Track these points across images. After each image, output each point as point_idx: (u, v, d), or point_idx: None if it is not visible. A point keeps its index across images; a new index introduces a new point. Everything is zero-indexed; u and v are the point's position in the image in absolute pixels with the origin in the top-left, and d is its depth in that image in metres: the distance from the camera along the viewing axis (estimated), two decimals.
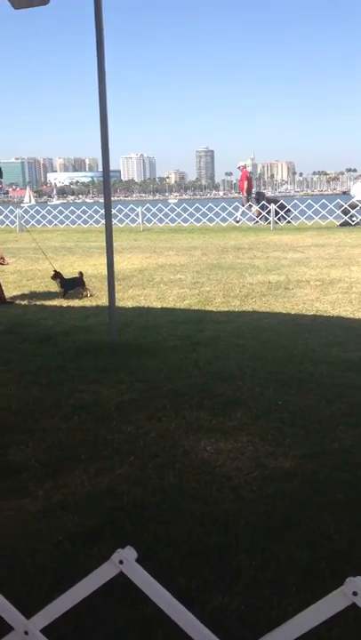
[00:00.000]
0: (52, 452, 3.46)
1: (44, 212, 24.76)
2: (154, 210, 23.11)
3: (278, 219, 20.83)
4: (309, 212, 21.20)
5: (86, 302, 7.88)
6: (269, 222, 20.64)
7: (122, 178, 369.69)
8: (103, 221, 22.22)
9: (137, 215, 22.74)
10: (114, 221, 23.10)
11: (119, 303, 7.52)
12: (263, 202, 21.95)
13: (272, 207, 20.72)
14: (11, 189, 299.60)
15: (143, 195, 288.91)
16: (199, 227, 21.85)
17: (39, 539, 2.60)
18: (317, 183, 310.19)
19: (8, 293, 8.26)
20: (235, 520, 2.79)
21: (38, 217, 24.40)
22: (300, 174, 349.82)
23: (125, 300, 7.86)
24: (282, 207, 21.27)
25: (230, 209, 22.57)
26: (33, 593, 2.24)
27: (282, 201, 22.19)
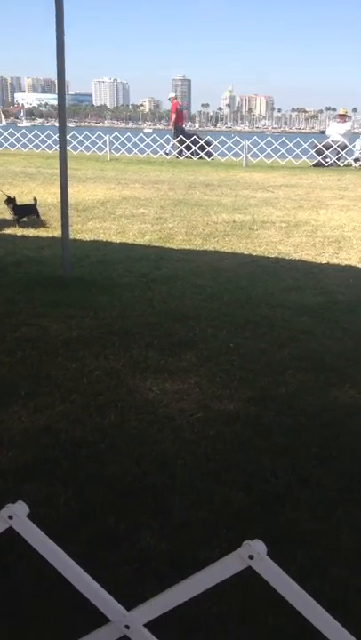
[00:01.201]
0: None
1: (6, 133, 23.88)
2: (122, 139, 22.44)
3: (192, 153, 21.40)
4: (283, 151, 20.84)
5: (42, 232, 7.67)
6: (186, 157, 21.29)
7: (93, 102, 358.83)
8: (68, 147, 21.61)
9: (105, 143, 22.10)
10: (80, 148, 22.62)
11: (77, 235, 7.35)
12: (181, 136, 22.06)
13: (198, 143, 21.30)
14: None
15: (115, 122, 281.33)
16: (169, 159, 21.35)
17: None
18: (296, 120, 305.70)
19: None
20: (173, 461, 2.78)
21: (12, 140, 23.51)
22: (279, 110, 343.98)
23: (84, 232, 7.67)
24: (195, 142, 21.61)
25: (202, 142, 22.02)
26: None
27: (208, 137, 22.44)
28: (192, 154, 21.45)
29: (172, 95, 24.82)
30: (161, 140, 22.32)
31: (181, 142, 21.77)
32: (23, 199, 8.60)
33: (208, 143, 21.82)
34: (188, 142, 21.39)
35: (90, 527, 2.29)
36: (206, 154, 21.50)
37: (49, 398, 3.31)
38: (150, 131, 34.32)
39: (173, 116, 22.89)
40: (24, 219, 8.05)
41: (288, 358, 3.96)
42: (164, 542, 2.23)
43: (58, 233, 6.27)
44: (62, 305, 4.80)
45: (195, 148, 21.44)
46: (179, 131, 22.54)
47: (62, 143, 5.55)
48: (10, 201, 8.00)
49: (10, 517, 1.16)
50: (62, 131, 5.57)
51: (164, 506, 2.45)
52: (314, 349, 4.11)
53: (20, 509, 1.17)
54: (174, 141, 22.20)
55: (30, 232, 7.71)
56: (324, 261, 6.51)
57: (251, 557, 1.12)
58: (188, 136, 22.23)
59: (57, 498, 2.44)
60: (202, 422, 3.15)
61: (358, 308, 4.97)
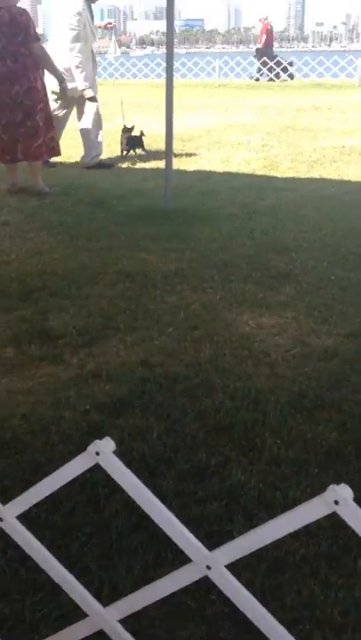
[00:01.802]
0: (91, 319, 3.45)
1: (117, 64, 23.72)
2: (232, 63, 21.74)
3: (276, 75, 21.02)
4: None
5: (147, 164, 7.63)
6: (270, 79, 20.90)
7: (205, 27, 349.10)
8: (177, 74, 21.23)
9: (213, 69, 21.51)
10: (188, 75, 22.15)
11: (181, 166, 7.26)
12: (264, 58, 21.51)
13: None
14: None
15: (226, 46, 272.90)
16: (278, 83, 20.52)
17: (67, 407, 2.64)
18: None
19: (68, 151, 8.04)
20: (266, 397, 2.75)
21: (123, 70, 23.42)
22: None
23: (188, 162, 7.56)
24: (278, 64, 21.23)
25: (314, 63, 20.94)
26: (54, 460, 2.29)
27: (279, 57, 21.88)
28: (275, 76, 21.06)
29: (263, 17, 24.42)
30: (285, 62, 21.40)
31: (265, 64, 21.35)
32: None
33: (291, 64, 21.36)
34: (271, 64, 21.11)
35: (181, 461, 2.32)
36: (289, 75, 21.15)
37: (146, 332, 3.35)
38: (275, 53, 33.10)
39: (263, 37, 22.62)
40: (131, 152, 8.03)
41: None
42: (253, 479, 2.23)
43: (162, 164, 6.21)
44: (163, 238, 4.80)
45: (278, 69, 21.09)
46: (262, 52, 22.14)
47: (169, 73, 5.42)
48: (127, 130, 7.95)
49: (97, 454, 1.18)
50: (170, 59, 5.42)
51: (256, 442, 2.44)
52: None
53: (106, 445, 1.18)
54: (258, 63, 21.89)
55: (135, 163, 7.70)
56: None
57: (336, 502, 1.08)
58: (272, 58, 21.66)
59: (150, 431, 2.49)
60: (298, 358, 3.09)
61: None
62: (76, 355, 3.08)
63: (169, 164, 5.59)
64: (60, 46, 6.80)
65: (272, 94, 17.14)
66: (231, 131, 10.03)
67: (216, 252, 4.50)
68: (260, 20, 23.91)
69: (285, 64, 21.39)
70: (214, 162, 7.57)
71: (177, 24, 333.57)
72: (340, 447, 2.41)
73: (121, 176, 7.01)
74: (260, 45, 23.02)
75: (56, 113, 6.94)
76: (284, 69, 21.33)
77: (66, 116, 7.26)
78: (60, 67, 6.44)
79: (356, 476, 2.26)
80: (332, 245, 4.60)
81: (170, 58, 5.44)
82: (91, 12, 6.97)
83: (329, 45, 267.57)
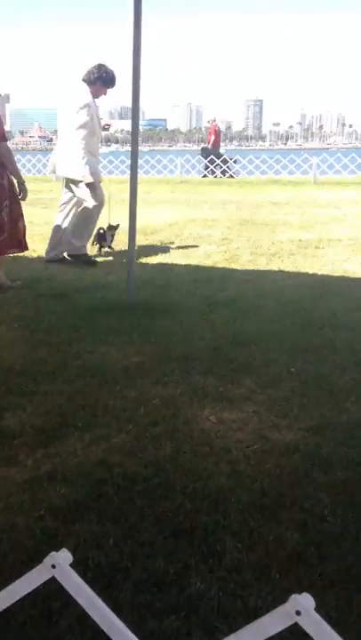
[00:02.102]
0: (49, 417, 3.37)
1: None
2: (193, 161, 22.64)
3: (223, 172, 22.17)
4: (352, 167, 20.47)
5: (109, 256, 7.74)
6: (216, 175, 22.00)
7: (168, 127, 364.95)
8: (141, 171, 22.00)
9: (175, 166, 22.34)
10: (151, 172, 22.94)
11: (143, 259, 7.38)
12: (211, 156, 22.75)
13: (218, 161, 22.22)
14: (55, 137, 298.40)
15: (188, 144, 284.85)
16: (237, 180, 21.36)
17: (20, 512, 2.53)
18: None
19: (33, 245, 8.12)
20: (227, 497, 2.68)
21: None
22: (350, 126, 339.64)
23: (150, 256, 7.70)
24: (225, 162, 22.48)
25: (271, 161, 21.92)
26: (5, 570, 2.17)
27: (225, 155, 23.38)
28: (222, 172, 22.28)
29: (212, 119, 26.30)
30: (244, 160, 22.42)
31: (212, 162, 22.49)
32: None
33: (236, 162, 22.74)
34: (218, 161, 22.39)
35: (138, 570, 2.22)
36: (234, 172, 22.39)
37: (105, 429, 3.27)
38: (223, 152, 34.69)
39: (212, 138, 23.94)
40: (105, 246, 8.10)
41: (351, 384, 3.81)
42: (213, 588, 2.13)
43: (125, 257, 6.29)
44: (124, 331, 4.79)
45: (224, 167, 22.37)
46: (210, 151, 23.41)
47: (133, 168, 5.58)
48: (111, 228, 7.99)
49: (53, 566, 1.12)
50: (134, 155, 5.60)
51: (216, 547, 2.35)
52: None
53: (63, 558, 1.12)
54: (205, 161, 22.97)
55: (99, 256, 7.80)
56: None
57: (298, 613, 1.02)
58: (219, 156, 23.02)
59: (107, 538, 2.38)
60: (259, 454, 3.04)
61: None
62: (31, 455, 2.99)
63: (131, 257, 5.68)
64: (67, 138, 6.96)
65: (232, 190, 17.79)
66: (193, 225, 10.30)
67: (177, 345, 4.50)
68: (208, 121, 25.70)
69: (230, 162, 22.63)
70: (176, 255, 7.72)
71: (141, 123, 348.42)
72: (301, 549, 2.34)
73: (84, 269, 7.07)
74: (208, 145, 24.32)
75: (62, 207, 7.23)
76: (230, 167, 22.51)
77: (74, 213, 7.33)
78: (68, 161, 6.80)
79: (318, 580, 2.18)
80: (292, 337, 4.64)
81: (134, 155, 5.62)
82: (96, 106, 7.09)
83: (285, 144, 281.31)
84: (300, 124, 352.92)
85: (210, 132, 24.78)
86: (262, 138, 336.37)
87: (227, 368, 4.08)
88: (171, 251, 7.99)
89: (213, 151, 23.55)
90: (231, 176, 22.16)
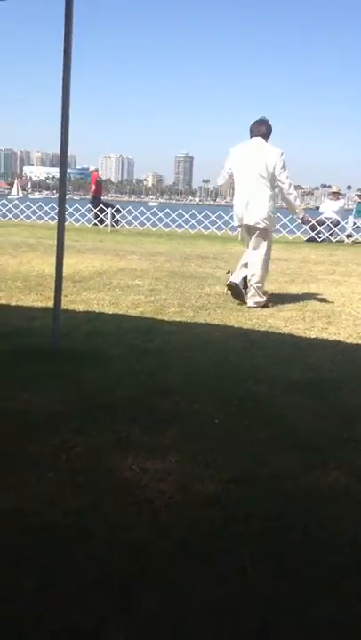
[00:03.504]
0: None
1: (10, 205, 24.37)
2: (123, 212, 22.94)
3: (115, 222, 22.87)
4: (277, 226, 21.18)
5: (36, 302, 7.67)
6: (106, 225, 22.60)
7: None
8: (71, 219, 22.18)
9: (106, 216, 22.55)
10: (82, 220, 23.09)
11: (71, 306, 7.36)
12: (101, 205, 23.60)
13: (109, 211, 22.81)
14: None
15: (119, 195, 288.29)
16: (167, 232, 21.74)
17: None
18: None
19: None
20: (147, 548, 2.65)
21: (5, 210, 24.01)
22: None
23: (77, 302, 7.68)
24: (118, 211, 23.39)
25: (200, 217, 22.46)
26: None
27: (118, 206, 24.33)
28: (114, 222, 22.97)
29: (93, 168, 27.66)
30: (160, 214, 22.80)
31: (102, 211, 23.11)
32: (22, 269, 8.65)
33: (118, 211, 23.42)
34: (108, 210, 23.02)
35: (53, 623, 2.16)
36: (115, 222, 23.12)
37: (24, 477, 3.20)
38: (156, 204, 35.56)
39: (93, 187, 24.77)
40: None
41: (272, 437, 3.87)
42: None
43: (51, 303, 6.26)
44: (48, 378, 4.74)
45: (117, 216, 23.20)
46: (98, 200, 24.19)
47: (61, 213, 5.62)
48: None
49: None
50: (62, 201, 5.65)
51: (135, 599, 2.32)
52: (298, 427, 4.03)
53: None
54: (95, 210, 23.72)
55: (24, 301, 7.72)
56: (313, 336, 6.48)
57: None
58: (107, 205, 23.84)
59: (21, 590, 2.32)
60: (180, 505, 3.04)
61: (345, 386, 4.90)
62: None
63: (57, 303, 5.65)
64: (255, 187, 7.84)
65: (161, 242, 18.08)
66: (121, 274, 10.37)
67: (102, 393, 4.47)
68: (90, 171, 26.98)
69: (112, 211, 23.13)
70: (104, 303, 7.73)
71: (72, 171, 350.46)
72: (220, 603, 2.33)
73: (8, 314, 6.97)
74: (90, 194, 25.18)
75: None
76: (113, 215, 23.11)
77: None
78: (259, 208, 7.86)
79: (237, 637, 2.18)
80: (216, 389, 4.70)
81: (62, 202, 5.67)
82: None
83: (215, 200, 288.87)
84: None
85: (91, 182, 25.52)
86: (192, 193, 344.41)
87: (151, 418, 4.08)
88: (98, 299, 7.99)
89: (96, 200, 24.38)
90: (114, 224, 22.83)
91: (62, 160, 5.61)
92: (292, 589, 2.41)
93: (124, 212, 23.29)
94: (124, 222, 22.96)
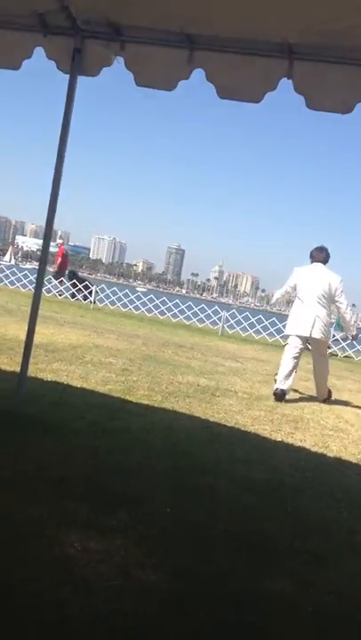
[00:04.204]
0: None
1: (8, 272, 24.55)
2: (108, 292, 23.16)
3: (84, 296, 23.19)
4: (258, 327, 21.49)
5: (4, 365, 7.57)
6: (77, 298, 23.01)
7: (90, 256, 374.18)
8: (55, 291, 22.28)
9: (90, 293, 22.73)
10: (65, 294, 23.24)
11: (39, 374, 7.27)
12: (75, 280, 24.15)
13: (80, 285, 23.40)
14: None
15: (108, 276, 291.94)
16: (149, 317, 21.89)
17: None
18: (279, 303, 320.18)
19: None
20: (74, 635, 2.51)
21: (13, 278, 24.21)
22: (263, 290, 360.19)
23: (47, 371, 7.59)
24: (87, 287, 23.64)
25: (183, 307, 22.71)
26: None
27: (87, 282, 24.72)
28: (83, 297, 23.22)
29: (60, 241, 29.30)
30: (157, 301, 22.93)
31: (74, 285, 23.62)
32: None
33: (86, 287, 23.58)
34: (80, 286, 23.44)
35: None
36: (83, 297, 23.25)
37: None
38: (145, 290, 36.07)
39: (59, 260, 25.71)
40: None
41: (223, 535, 3.75)
42: None
43: (19, 369, 6.18)
44: (2, 443, 4.61)
45: (85, 292, 23.29)
46: (71, 274, 25.09)
47: (38, 285, 5.70)
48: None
49: None
50: (40, 274, 5.74)
51: None
52: (251, 529, 3.91)
53: None
54: (68, 284, 24.34)
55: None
56: (279, 439, 6.42)
57: None
58: (82, 280, 24.49)
59: None
60: (118, 591, 2.90)
61: (305, 493, 4.81)
62: None
63: (24, 369, 5.61)
64: (320, 306, 9.07)
65: (142, 325, 18.16)
66: (96, 350, 10.32)
67: (56, 466, 4.35)
68: (56, 244, 28.24)
69: (80, 286, 23.46)
70: (73, 376, 7.64)
71: (65, 247, 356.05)
72: None
73: None
74: (54, 267, 25.70)
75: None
76: (80, 291, 23.36)
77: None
78: (322, 325, 9.15)
79: None
80: (173, 478, 4.59)
81: (41, 274, 5.81)
82: None
83: (201, 295, 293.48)
84: (216, 279, 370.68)
85: (58, 255, 26.20)
86: (180, 284, 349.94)
87: (102, 497, 3.95)
88: (69, 371, 7.91)
89: (61, 274, 24.99)
90: (89, 299, 23.04)
91: (47, 231, 5.75)
92: None
93: (93, 288, 23.62)
94: (91, 298, 23.21)
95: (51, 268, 25.44)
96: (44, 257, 5.86)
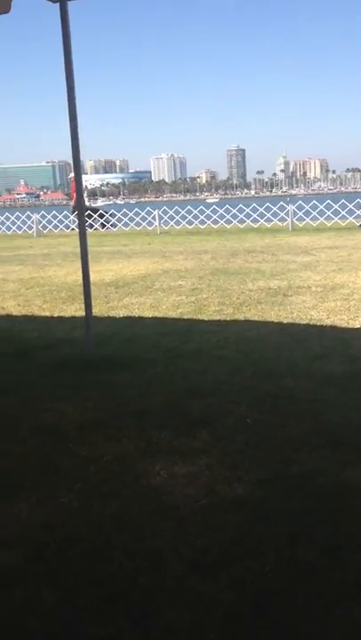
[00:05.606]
0: None
1: (60, 216, 24.77)
2: (171, 212, 22.98)
3: (101, 225, 23.74)
4: (329, 213, 20.84)
5: (78, 311, 7.76)
6: (95, 228, 23.47)
7: (153, 178, 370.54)
8: (120, 224, 22.42)
9: (154, 218, 22.65)
10: (131, 225, 23.31)
11: (111, 312, 7.43)
12: (89, 211, 24.29)
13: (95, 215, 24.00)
14: (42, 193, 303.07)
15: (174, 195, 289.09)
16: (216, 228, 21.66)
17: None
18: (351, 180, 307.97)
19: (3, 303, 8.20)
20: (169, 556, 2.64)
21: (55, 222, 24.46)
22: (334, 172, 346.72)
23: (119, 308, 7.73)
24: (101, 216, 24.27)
25: (248, 210, 22.28)
26: None
27: (101, 210, 25.30)
28: (100, 225, 23.85)
29: (71, 175, 27.96)
30: (221, 211, 22.61)
31: (89, 216, 23.65)
32: (69, 278, 8.75)
33: (112, 215, 24.27)
34: (95, 215, 24.04)
35: (71, 636, 2.18)
36: (112, 225, 23.95)
37: (53, 489, 3.24)
38: (217, 200, 35.73)
39: (75, 195, 25.23)
40: None
41: (305, 434, 3.79)
42: None
43: (96, 311, 6.31)
44: (82, 387, 4.78)
45: (101, 220, 24.03)
46: (86, 207, 25.14)
47: (82, 226, 5.70)
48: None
49: None
50: (81, 211, 5.74)
51: (152, 608, 2.31)
52: (334, 423, 3.93)
53: None
54: (72, 217, 24.01)
55: (66, 312, 7.83)
56: (358, 326, 6.32)
57: None
58: (95, 210, 24.83)
59: (42, 604, 2.34)
60: (206, 510, 3.01)
61: None
62: None
63: (88, 312, 5.72)
64: None
65: (210, 239, 18.02)
66: (165, 276, 10.39)
67: (134, 400, 4.49)
68: (69, 178, 27.38)
69: (107, 215, 24.14)
70: (144, 307, 7.76)
71: (126, 176, 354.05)
72: (239, 608, 2.30)
73: (50, 325, 7.09)
74: (71, 202, 25.45)
75: None
76: (107, 220, 24.02)
77: None
78: None
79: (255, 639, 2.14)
80: (251, 388, 4.65)
81: (81, 211, 5.80)
82: None
83: (271, 192, 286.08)
84: (282, 171, 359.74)
85: (72, 189, 25.85)
86: (247, 186, 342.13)
87: (182, 421, 4.06)
88: (140, 303, 8.03)
89: (88, 206, 25.77)
90: (107, 227, 23.59)
91: (76, 170, 5.69)
92: (315, 594, 2.35)
93: (107, 215, 24.23)
94: (108, 225, 23.71)
95: (131, 200, 25.86)
96: (79, 195, 5.81)
